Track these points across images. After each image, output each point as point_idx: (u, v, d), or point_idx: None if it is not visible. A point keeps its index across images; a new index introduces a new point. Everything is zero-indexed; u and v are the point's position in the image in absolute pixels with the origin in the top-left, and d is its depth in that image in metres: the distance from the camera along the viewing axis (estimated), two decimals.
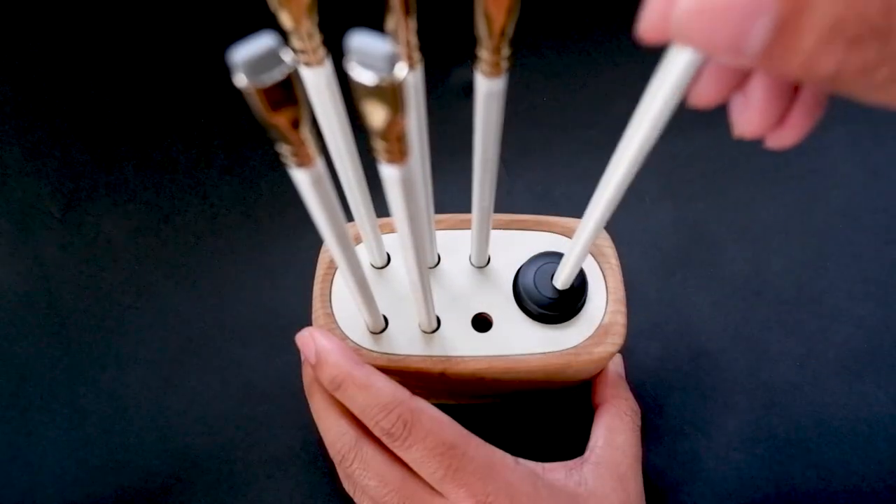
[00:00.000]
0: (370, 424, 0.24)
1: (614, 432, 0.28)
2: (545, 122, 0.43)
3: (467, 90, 0.44)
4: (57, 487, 0.33)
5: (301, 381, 0.29)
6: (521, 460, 0.25)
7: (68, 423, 0.34)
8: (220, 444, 0.33)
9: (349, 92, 0.13)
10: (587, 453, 0.27)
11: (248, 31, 0.13)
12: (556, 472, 0.26)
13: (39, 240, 0.39)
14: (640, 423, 0.29)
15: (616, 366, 0.31)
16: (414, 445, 0.23)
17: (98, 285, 0.38)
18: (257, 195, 0.41)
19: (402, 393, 0.24)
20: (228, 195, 0.41)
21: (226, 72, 0.50)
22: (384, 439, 0.24)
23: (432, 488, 0.24)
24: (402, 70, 0.12)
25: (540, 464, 0.26)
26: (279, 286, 0.38)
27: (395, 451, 0.24)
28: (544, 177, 0.41)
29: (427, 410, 0.24)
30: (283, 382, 0.35)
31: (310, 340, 0.26)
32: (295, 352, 0.34)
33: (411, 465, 0.24)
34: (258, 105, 0.12)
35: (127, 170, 0.42)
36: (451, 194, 0.36)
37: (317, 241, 0.30)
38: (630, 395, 0.30)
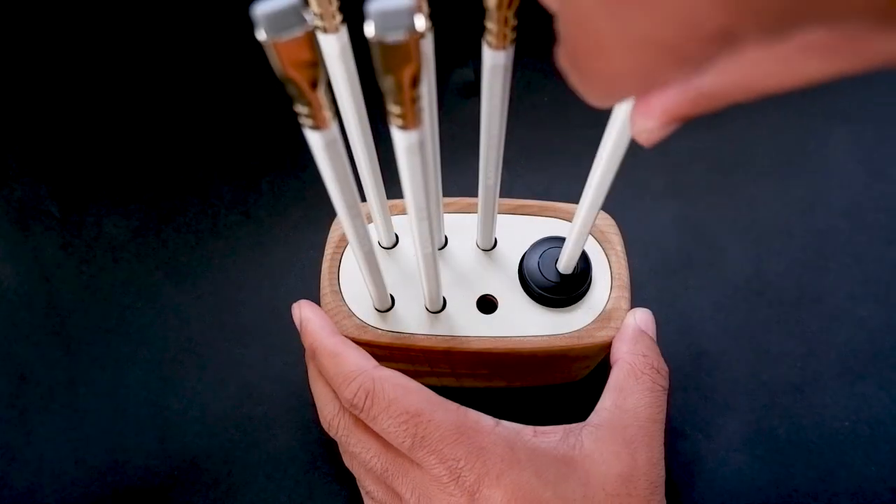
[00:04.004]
0: (339, 396, 0.24)
1: (625, 393, 0.25)
2: (546, 121, 0.43)
3: (468, 90, 0.44)
4: (56, 487, 0.33)
5: (301, 382, 0.29)
6: (505, 423, 0.24)
7: (68, 424, 0.34)
8: (220, 445, 0.33)
9: (362, 63, 0.13)
10: (591, 414, 0.25)
11: (249, 27, 0.13)
12: (550, 435, 0.24)
13: (39, 240, 0.39)
14: (665, 384, 0.25)
15: (639, 321, 0.27)
16: (379, 415, 0.23)
17: (98, 285, 0.38)
18: (257, 195, 0.41)
19: (366, 362, 0.24)
20: (229, 195, 0.41)
21: (227, 70, 0.50)
22: (352, 411, 0.24)
23: (411, 459, 0.23)
24: (420, 22, 0.12)
25: (532, 427, 0.24)
26: (279, 286, 0.38)
27: (365, 422, 0.24)
28: (545, 177, 0.41)
29: (392, 379, 0.24)
30: (282, 382, 0.35)
31: (297, 309, 0.27)
32: (295, 352, 0.35)
33: (382, 436, 0.23)
34: (276, 60, 0.13)
35: (127, 170, 0.42)
36: (452, 194, 0.36)
37: (317, 242, 0.30)
38: (652, 352, 0.26)
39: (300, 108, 0.15)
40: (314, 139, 0.16)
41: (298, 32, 0.12)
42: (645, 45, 0.10)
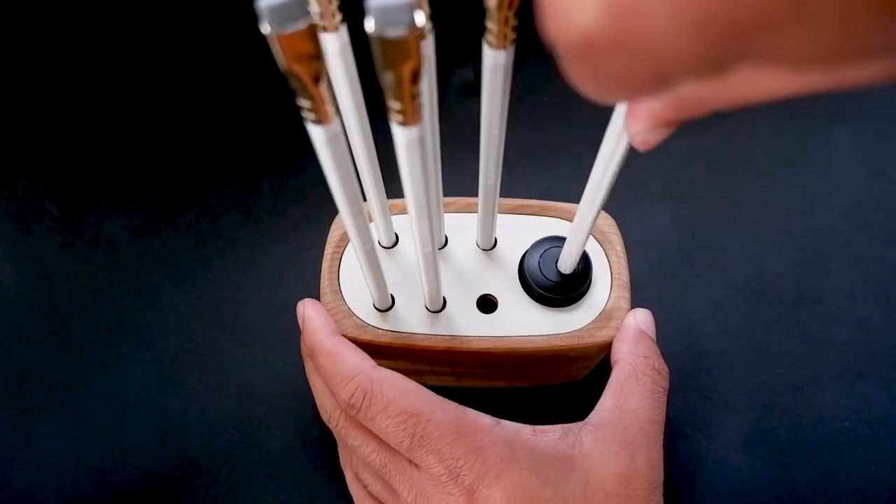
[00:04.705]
0: (336, 397, 0.24)
1: (626, 394, 0.25)
2: (546, 122, 0.43)
3: (468, 90, 0.44)
4: (56, 487, 0.33)
5: (301, 382, 0.29)
6: (505, 422, 0.24)
7: (68, 424, 0.34)
8: (220, 445, 0.33)
9: (362, 62, 0.13)
10: (591, 414, 0.25)
11: (253, 30, 0.13)
12: (549, 434, 0.24)
13: (39, 240, 0.39)
14: (665, 385, 0.26)
15: (640, 322, 0.27)
16: (377, 416, 0.23)
17: (98, 285, 0.38)
18: (257, 195, 0.41)
19: (364, 363, 0.24)
20: (228, 195, 0.41)
21: (227, 71, 0.50)
22: (349, 412, 0.24)
23: (409, 459, 0.23)
24: (420, 17, 0.12)
25: (531, 426, 0.24)
26: (279, 286, 0.38)
27: (363, 423, 0.24)
28: (545, 177, 0.41)
29: (390, 379, 0.24)
30: (282, 382, 0.35)
31: (301, 307, 0.27)
32: (294, 352, 0.35)
33: (380, 436, 0.23)
34: (280, 53, 0.13)
35: (127, 170, 0.42)
36: (452, 194, 0.36)
37: (317, 242, 0.30)
38: (653, 353, 0.26)
39: (303, 103, 0.15)
40: (317, 134, 0.16)
41: (302, 25, 0.13)
42: (615, 81, 0.11)
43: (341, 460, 0.29)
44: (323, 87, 0.15)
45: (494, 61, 0.18)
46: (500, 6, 0.16)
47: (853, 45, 0.09)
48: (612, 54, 0.10)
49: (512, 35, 0.17)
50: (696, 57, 0.10)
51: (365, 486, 0.26)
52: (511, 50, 0.18)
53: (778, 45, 0.09)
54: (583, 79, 0.11)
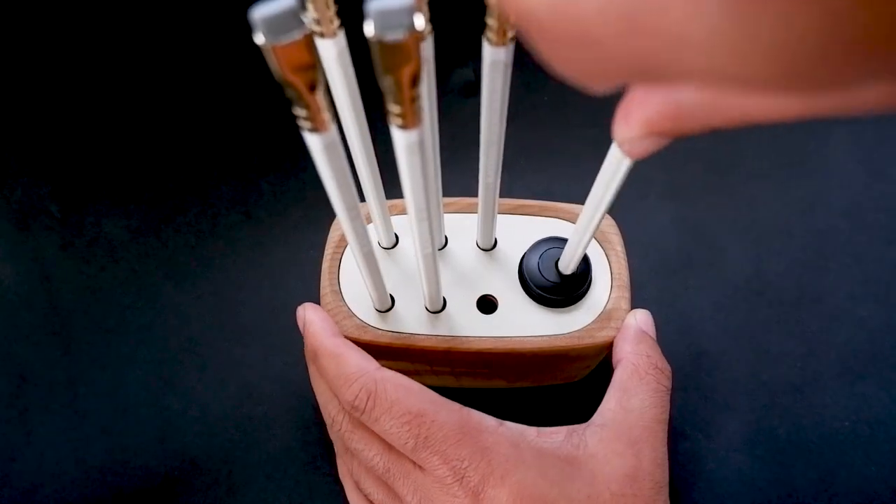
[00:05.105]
0: (339, 399, 0.24)
1: (629, 394, 0.25)
2: (546, 121, 0.43)
3: (468, 90, 0.44)
4: (56, 487, 0.33)
5: (301, 382, 0.29)
6: (509, 423, 0.24)
7: (68, 424, 0.34)
8: (220, 445, 0.33)
9: (361, 65, 0.13)
10: (595, 415, 0.25)
11: (248, 27, 0.13)
12: (553, 435, 0.24)
13: (39, 240, 0.39)
14: (668, 384, 0.25)
15: (640, 322, 0.27)
16: (381, 417, 0.23)
17: (98, 285, 0.38)
18: (257, 195, 0.41)
19: (367, 364, 0.24)
20: (228, 195, 0.41)
21: (227, 71, 0.49)
22: (353, 414, 0.24)
23: (412, 461, 0.23)
24: (420, 21, 0.12)
25: (536, 427, 0.24)
26: (279, 286, 0.38)
27: (366, 425, 0.24)
28: (545, 177, 0.41)
29: (393, 380, 0.23)
30: (282, 382, 0.35)
31: (302, 312, 0.27)
32: (295, 352, 0.35)
33: (385, 438, 0.23)
34: (275, 64, 0.13)
35: (127, 170, 0.42)
36: (452, 194, 0.36)
37: (317, 242, 0.30)
38: (655, 353, 0.26)
39: (299, 111, 0.15)
40: (313, 142, 0.16)
41: (297, 36, 0.12)
42: (571, 66, 0.11)
43: (340, 471, 0.28)
44: (319, 96, 0.14)
45: (494, 58, 0.18)
46: (500, 2, 0.16)
47: (795, 77, 0.09)
48: (555, 38, 0.10)
49: (512, 32, 0.17)
50: (629, 59, 0.09)
51: (366, 495, 0.26)
52: (511, 47, 0.18)
53: (706, 65, 0.09)
54: (545, 58, 0.11)
